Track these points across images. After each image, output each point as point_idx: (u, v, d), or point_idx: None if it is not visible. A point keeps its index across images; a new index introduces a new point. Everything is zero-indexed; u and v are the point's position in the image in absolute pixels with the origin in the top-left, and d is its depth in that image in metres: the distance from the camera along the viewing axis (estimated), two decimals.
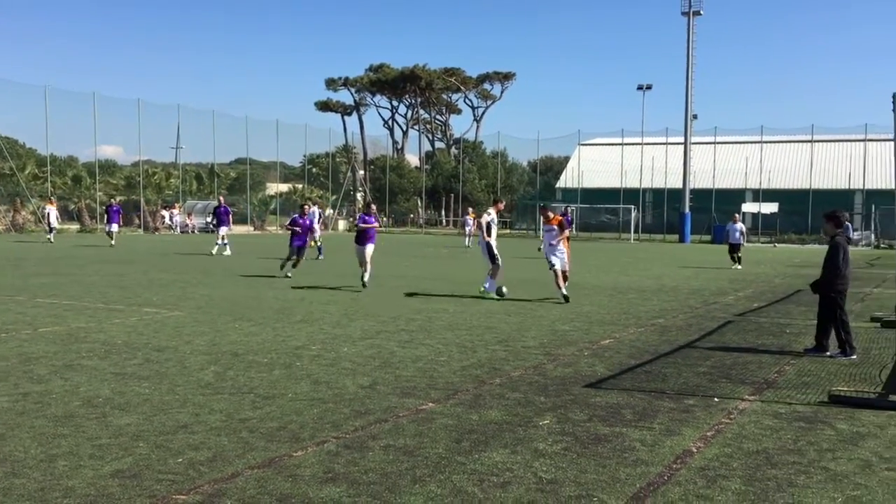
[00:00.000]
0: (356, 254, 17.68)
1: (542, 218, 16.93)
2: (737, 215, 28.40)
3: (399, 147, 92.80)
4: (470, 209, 45.29)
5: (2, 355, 8.95)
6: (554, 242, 15.52)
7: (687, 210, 56.12)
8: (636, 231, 59.97)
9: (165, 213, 56.55)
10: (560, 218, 16.04)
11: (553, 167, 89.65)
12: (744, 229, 27.72)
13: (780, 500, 4.84)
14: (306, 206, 21.53)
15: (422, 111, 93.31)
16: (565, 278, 15.50)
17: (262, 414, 6.59)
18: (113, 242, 33.31)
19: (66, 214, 51.65)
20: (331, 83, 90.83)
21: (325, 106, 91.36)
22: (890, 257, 36.11)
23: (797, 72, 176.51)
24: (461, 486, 4.98)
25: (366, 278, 17.12)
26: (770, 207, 60.12)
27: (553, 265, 15.41)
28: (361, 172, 79.58)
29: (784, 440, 6.13)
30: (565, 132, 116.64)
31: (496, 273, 16.03)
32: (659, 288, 18.83)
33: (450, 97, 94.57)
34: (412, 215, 78.35)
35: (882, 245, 50.35)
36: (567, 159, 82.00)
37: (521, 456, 5.60)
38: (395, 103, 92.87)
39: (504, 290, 15.70)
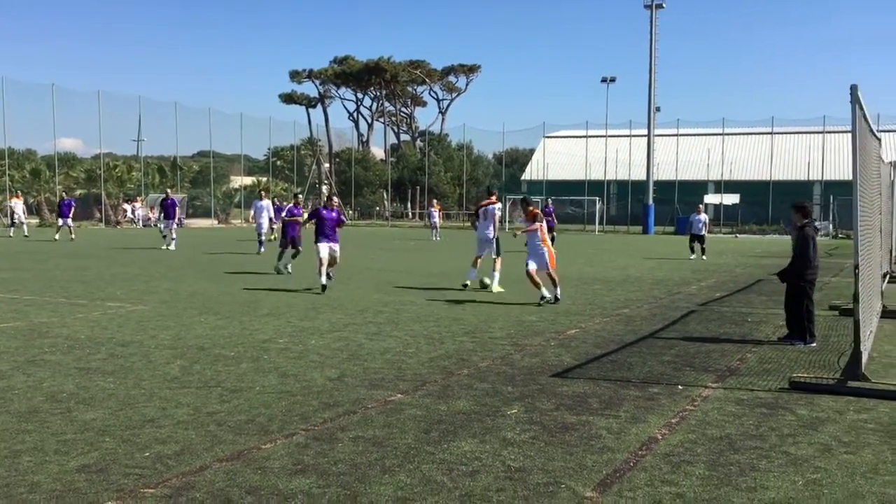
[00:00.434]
0: (318, 253, 15.09)
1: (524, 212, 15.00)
2: (700, 206, 28.71)
3: (364, 140, 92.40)
4: (435, 201, 45.29)
5: None
6: (520, 233, 14.57)
7: (651, 202, 56.71)
8: (601, 222, 60.51)
9: (127, 206, 55.76)
10: (536, 211, 14.41)
11: (518, 159, 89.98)
12: (707, 220, 28.02)
13: (743, 484, 4.94)
14: (300, 196, 20.12)
15: (387, 103, 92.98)
16: (552, 280, 13.90)
17: (230, 407, 6.57)
18: (73, 236, 32.72)
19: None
20: (295, 75, 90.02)
21: (289, 98, 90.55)
22: (847, 247, 36.79)
23: (757, 64, 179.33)
24: (430, 475, 5.01)
25: (324, 281, 14.82)
26: (731, 198, 61.07)
27: (526, 265, 13.89)
28: (326, 165, 79.15)
29: (746, 426, 6.25)
30: (530, 124, 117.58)
31: (499, 265, 15.87)
32: (624, 279, 19.03)
33: (415, 89, 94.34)
34: (378, 208, 78.14)
35: (840, 235, 51.31)
36: (532, 151, 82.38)
37: (489, 445, 5.65)
38: (359, 96, 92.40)
39: (486, 280, 15.71)
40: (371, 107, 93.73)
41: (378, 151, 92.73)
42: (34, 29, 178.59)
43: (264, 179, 71.56)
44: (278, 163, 79.30)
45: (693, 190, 60.69)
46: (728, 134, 65.27)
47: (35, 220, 49.26)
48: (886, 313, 12.19)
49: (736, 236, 52.73)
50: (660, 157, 60.82)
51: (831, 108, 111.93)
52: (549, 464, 5.27)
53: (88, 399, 6.78)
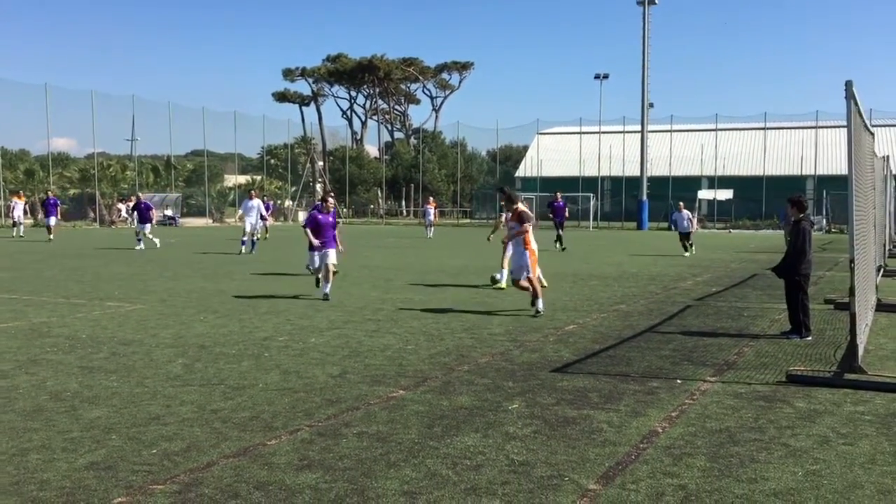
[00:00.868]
0: (309, 261, 14.30)
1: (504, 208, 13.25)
2: (681, 203, 28.43)
3: (358, 137, 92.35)
4: (430, 198, 45.33)
5: None
6: (505, 240, 13.46)
7: (644, 198, 56.84)
8: (595, 219, 60.59)
9: (122, 206, 55.60)
10: (522, 209, 12.51)
11: (512, 156, 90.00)
12: (691, 216, 27.72)
13: (744, 475, 5.02)
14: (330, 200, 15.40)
15: (380, 101, 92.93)
16: (533, 290, 11.95)
17: (234, 404, 6.62)
18: (51, 237, 31.82)
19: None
20: (288, 73, 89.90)
21: (282, 97, 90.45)
22: (841, 241, 36.96)
23: (750, 60, 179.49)
24: (435, 469, 5.07)
25: (327, 289, 13.64)
26: (725, 194, 61.18)
27: (514, 279, 12.26)
28: (320, 163, 79.05)
29: (745, 419, 6.33)
30: (524, 121, 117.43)
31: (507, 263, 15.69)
32: (620, 274, 19.11)
33: (408, 87, 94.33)
34: (372, 206, 78.15)
35: (833, 230, 51.52)
36: (526, 148, 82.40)
37: (492, 439, 5.72)
38: (353, 93, 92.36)
39: (497, 276, 15.66)
40: (364, 105, 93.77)
41: (372, 149, 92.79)
42: (27, 28, 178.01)
43: (258, 178, 71.48)
44: (272, 161, 79.17)
45: (687, 186, 60.74)
46: (721, 129, 65.40)
47: (30, 221, 49.07)
48: (881, 306, 12.30)
49: (730, 231, 52.92)
50: (653, 154, 60.97)
51: (824, 103, 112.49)
52: (552, 457, 5.33)
53: (93, 397, 6.82)
